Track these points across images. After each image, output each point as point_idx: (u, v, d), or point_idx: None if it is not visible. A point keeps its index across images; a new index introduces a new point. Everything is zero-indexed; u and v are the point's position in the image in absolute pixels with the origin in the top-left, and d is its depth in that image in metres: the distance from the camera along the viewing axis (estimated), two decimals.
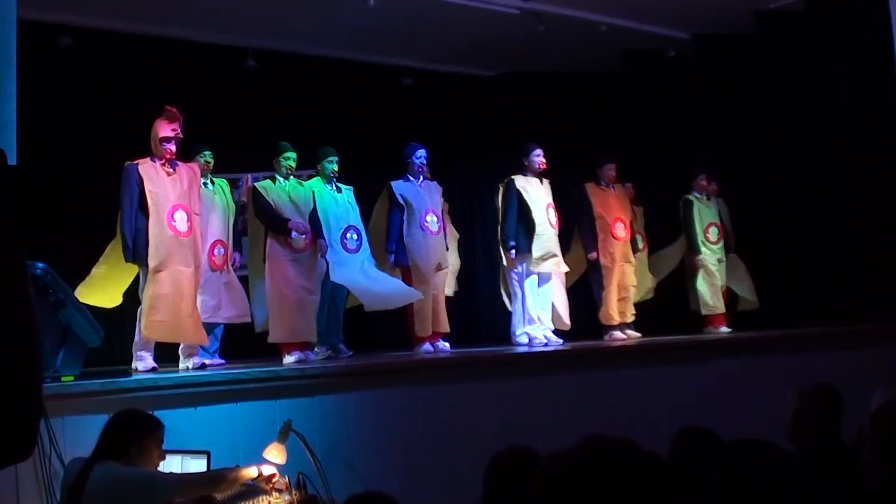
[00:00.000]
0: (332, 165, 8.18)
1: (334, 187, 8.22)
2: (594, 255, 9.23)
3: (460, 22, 10.03)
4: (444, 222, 8.67)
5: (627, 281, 9.35)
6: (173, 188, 7.04)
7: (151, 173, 6.96)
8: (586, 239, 9.32)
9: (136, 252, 6.89)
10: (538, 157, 8.80)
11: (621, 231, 9.34)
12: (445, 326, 8.52)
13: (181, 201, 7.04)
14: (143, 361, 6.87)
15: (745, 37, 10.80)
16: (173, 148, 7.06)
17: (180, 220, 6.97)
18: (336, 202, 8.15)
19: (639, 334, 9.34)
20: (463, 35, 10.45)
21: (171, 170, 7.08)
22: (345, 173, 8.45)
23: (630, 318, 9.39)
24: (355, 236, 8.23)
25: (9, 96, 5.48)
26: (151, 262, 6.79)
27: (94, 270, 7.31)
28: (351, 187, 8.51)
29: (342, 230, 8.07)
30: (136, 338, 6.97)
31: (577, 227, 9.46)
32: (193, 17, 9.48)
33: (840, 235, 9.84)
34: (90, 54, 9.49)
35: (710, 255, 9.79)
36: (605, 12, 10.24)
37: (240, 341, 8.43)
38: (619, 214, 9.39)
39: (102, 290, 7.29)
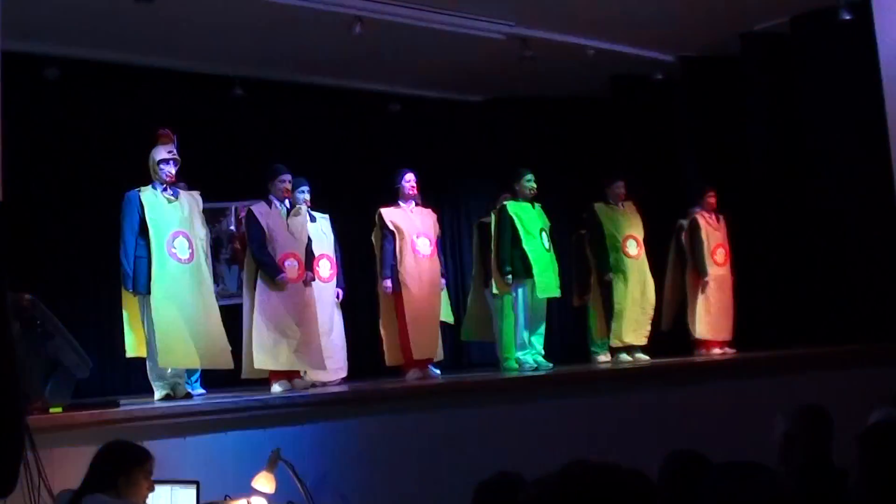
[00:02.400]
0: (303, 195, 8.22)
1: (307, 216, 8.24)
2: (609, 276, 9.17)
3: (447, 48, 10.05)
4: (436, 247, 8.63)
5: (645, 300, 9.27)
6: (174, 215, 7.06)
7: (152, 200, 7.00)
8: (599, 259, 9.26)
9: (136, 280, 6.87)
10: (529, 183, 8.78)
11: (633, 249, 9.28)
12: (436, 352, 8.43)
13: (182, 228, 7.07)
14: (158, 391, 6.91)
15: (730, 59, 10.83)
16: (172, 170, 7.06)
17: (181, 246, 6.98)
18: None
19: (647, 358, 9.16)
20: (450, 61, 10.47)
21: (173, 196, 7.10)
22: (332, 201, 8.45)
23: (642, 341, 9.23)
24: (328, 264, 8.28)
25: None
26: (154, 290, 6.79)
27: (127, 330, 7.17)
28: (326, 215, 8.52)
29: (314, 258, 8.13)
30: (150, 368, 6.96)
31: (589, 248, 9.41)
32: (179, 46, 9.48)
33: (827, 255, 9.84)
34: (76, 85, 9.48)
35: (716, 277, 9.49)
36: (591, 36, 10.26)
37: (225, 371, 8.36)
38: (631, 232, 9.33)
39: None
